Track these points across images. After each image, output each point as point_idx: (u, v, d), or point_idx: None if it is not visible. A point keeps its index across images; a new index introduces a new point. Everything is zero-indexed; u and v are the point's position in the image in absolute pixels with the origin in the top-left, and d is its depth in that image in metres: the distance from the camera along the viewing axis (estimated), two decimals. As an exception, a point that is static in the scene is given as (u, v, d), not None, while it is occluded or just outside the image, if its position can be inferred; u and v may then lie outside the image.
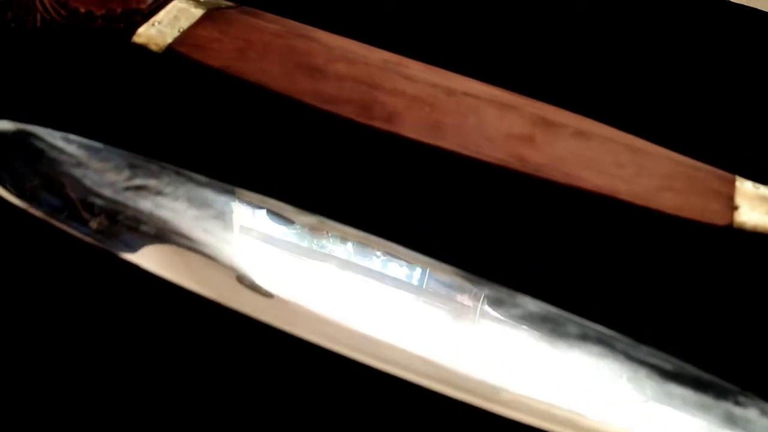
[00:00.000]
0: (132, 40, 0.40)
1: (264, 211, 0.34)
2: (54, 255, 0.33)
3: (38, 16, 0.41)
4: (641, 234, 0.35)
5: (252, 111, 0.39)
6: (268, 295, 0.31)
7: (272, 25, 0.42)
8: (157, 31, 0.41)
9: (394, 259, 0.33)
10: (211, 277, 0.32)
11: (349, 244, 0.33)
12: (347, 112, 0.37)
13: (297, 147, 0.38)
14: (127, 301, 0.33)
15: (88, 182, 0.32)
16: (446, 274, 0.32)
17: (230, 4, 0.44)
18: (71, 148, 0.34)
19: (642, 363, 0.29)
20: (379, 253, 0.33)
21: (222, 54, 0.40)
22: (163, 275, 0.32)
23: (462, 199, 0.36)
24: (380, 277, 0.32)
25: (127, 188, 0.32)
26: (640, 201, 0.35)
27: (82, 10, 0.41)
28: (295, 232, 0.33)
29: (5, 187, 0.33)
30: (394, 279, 0.32)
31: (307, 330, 0.31)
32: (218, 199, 0.33)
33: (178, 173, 0.33)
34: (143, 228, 0.31)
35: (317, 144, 0.38)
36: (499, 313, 0.30)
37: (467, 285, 0.32)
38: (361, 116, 0.37)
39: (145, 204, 0.32)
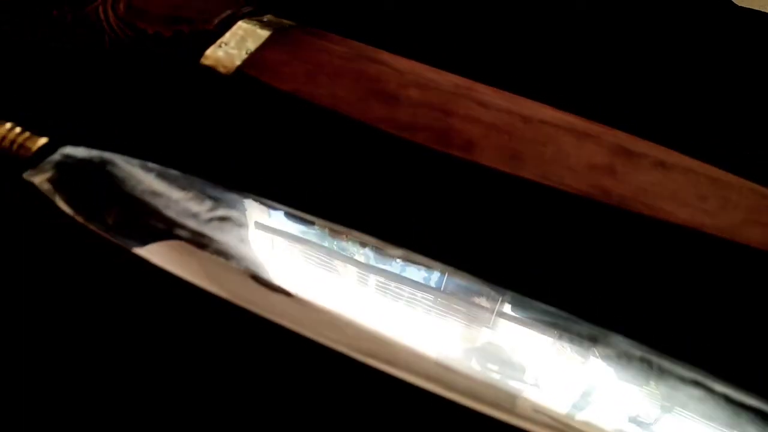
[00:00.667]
0: (200, 62, 0.40)
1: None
2: (138, 287, 0.33)
3: (106, 38, 0.40)
4: (727, 268, 0.35)
5: (325, 136, 0.38)
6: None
7: (339, 47, 0.41)
8: (225, 53, 0.40)
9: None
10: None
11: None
12: (424, 139, 0.37)
13: (371, 173, 0.37)
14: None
15: (171, 213, 0.32)
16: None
17: (292, 23, 0.44)
18: (150, 177, 0.33)
19: (743, 407, 0.29)
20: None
21: (292, 77, 0.39)
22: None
23: (542, 230, 0.35)
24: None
25: (211, 219, 0.32)
26: (725, 235, 0.34)
27: (150, 31, 0.40)
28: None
29: (84, 218, 0.32)
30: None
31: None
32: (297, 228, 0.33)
33: (258, 202, 0.33)
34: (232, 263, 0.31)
35: (392, 170, 0.37)
36: (593, 351, 0.30)
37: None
38: (438, 144, 0.37)
39: (230, 237, 0.31)
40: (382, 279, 0.32)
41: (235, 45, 0.40)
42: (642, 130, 0.38)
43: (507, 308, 0.31)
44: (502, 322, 0.31)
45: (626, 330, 0.31)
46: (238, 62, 0.40)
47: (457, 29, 0.48)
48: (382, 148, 0.37)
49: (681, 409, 0.29)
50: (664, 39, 0.47)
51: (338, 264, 0.33)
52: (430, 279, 0.32)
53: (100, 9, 0.41)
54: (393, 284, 0.32)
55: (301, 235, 0.33)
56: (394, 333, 0.30)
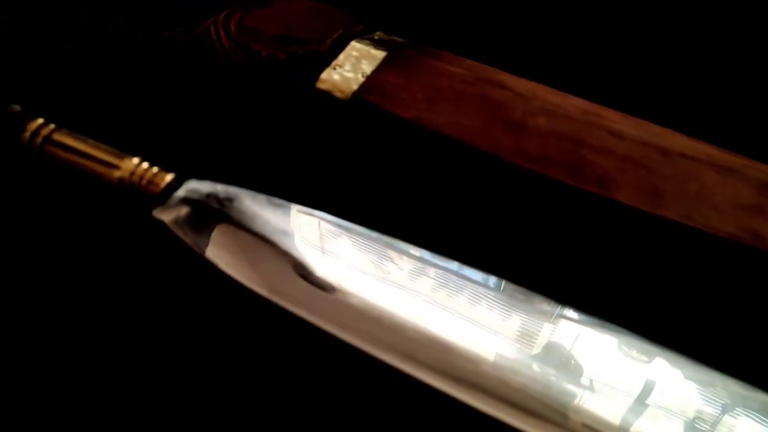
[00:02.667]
0: (316, 86, 0.38)
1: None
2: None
3: (220, 60, 0.39)
4: None
5: (450, 167, 0.36)
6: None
7: (456, 68, 0.40)
8: (341, 77, 0.39)
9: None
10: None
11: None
12: (556, 173, 0.35)
13: (500, 207, 0.36)
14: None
15: (298, 254, 0.31)
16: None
17: (403, 41, 0.42)
18: (277, 215, 0.32)
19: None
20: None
21: (412, 103, 0.38)
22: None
23: (686, 274, 0.33)
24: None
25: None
26: None
27: (264, 53, 0.39)
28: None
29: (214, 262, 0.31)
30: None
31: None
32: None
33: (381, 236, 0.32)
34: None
35: (521, 205, 0.35)
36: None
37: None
38: (571, 178, 0.35)
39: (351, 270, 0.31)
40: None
41: (351, 67, 0.39)
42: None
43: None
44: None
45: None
46: (354, 86, 0.38)
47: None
48: (511, 181, 0.35)
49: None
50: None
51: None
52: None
53: (212, 30, 0.40)
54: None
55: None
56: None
